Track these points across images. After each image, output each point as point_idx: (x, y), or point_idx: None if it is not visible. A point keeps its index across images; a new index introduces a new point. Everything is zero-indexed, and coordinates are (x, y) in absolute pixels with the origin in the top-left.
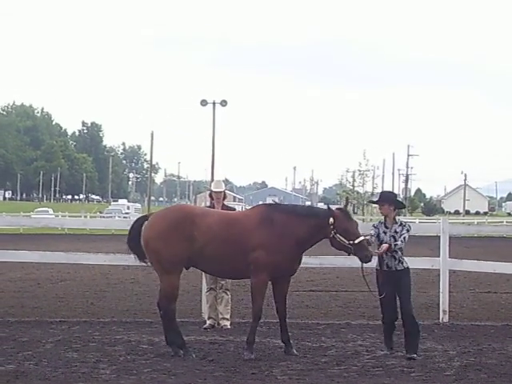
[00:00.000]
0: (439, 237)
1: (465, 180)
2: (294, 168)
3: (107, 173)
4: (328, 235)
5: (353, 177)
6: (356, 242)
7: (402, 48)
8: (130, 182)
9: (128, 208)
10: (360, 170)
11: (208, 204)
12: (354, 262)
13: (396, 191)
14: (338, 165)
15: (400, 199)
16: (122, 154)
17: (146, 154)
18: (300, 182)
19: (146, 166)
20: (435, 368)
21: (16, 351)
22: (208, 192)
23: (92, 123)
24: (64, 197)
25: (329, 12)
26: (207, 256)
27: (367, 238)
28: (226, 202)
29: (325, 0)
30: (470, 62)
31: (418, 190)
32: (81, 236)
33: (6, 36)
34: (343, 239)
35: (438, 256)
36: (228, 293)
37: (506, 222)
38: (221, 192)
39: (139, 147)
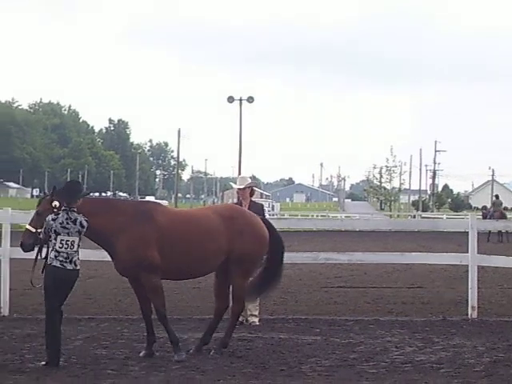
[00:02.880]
0: (467, 233)
1: (492, 175)
2: (321, 164)
3: (134, 170)
4: None
5: (380, 173)
6: None
7: (426, 44)
8: (157, 179)
9: None
10: (387, 166)
11: (235, 201)
12: (382, 258)
13: (423, 187)
14: (365, 161)
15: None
16: (148, 151)
17: (173, 151)
18: (327, 179)
19: (173, 162)
20: (464, 364)
21: (45, 348)
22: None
23: (119, 120)
24: (91, 194)
25: (353, 9)
26: None
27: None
28: (253, 199)
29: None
30: (495, 56)
31: (446, 186)
32: None
33: (34, 34)
34: None
35: (467, 252)
36: None
37: None
38: (244, 189)
39: (166, 144)
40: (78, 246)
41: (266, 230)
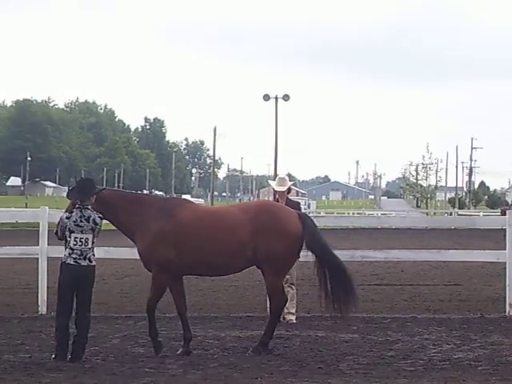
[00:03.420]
0: (504, 230)
1: None
2: (357, 162)
3: (170, 168)
4: None
5: (416, 170)
6: None
7: (462, 41)
8: (193, 178)
9: None
10: (423, 164)
11: (271, 199)
12: (419, 255)
13: (460, 184)
14: (402, 158)
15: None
16: (184, 149)
17: (208, 150)
18: (363, 176)
19: (208, 161)
20: (502, 361)
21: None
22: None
23: (155, 119)
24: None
25: (392, 7)
26: None
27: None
28: (290, 196)
29: None
30: None
31: (482, 183)
32: None
33: (70, 33)
34: None
35: (504, 249)
36: (293, 287)
37: None
38: (284, 191)
39: (202, 142)
40: (93, 242)
41: (297, 227)
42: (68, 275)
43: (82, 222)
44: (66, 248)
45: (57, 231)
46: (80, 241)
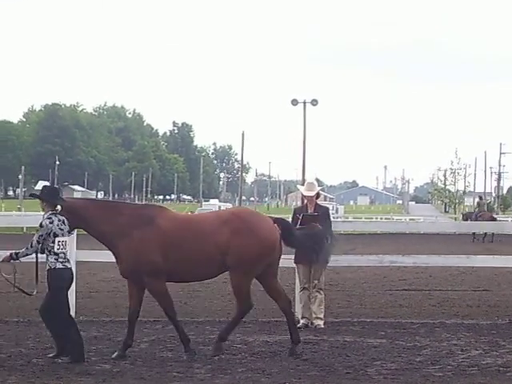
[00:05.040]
0: None
1: None
2: (385, 167)
3: (198, 173)
4: None
5: (444, 175)
6: None
7: (492, 45)
8: (220, 182)
9: (219, 208)
10: (452, 169)
11: (300, 204)
12: (447, 261)
13: (488, 190)
14: (430, 163)
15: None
16: (212, 153)
17: (236, 154)
18: (391, 181)
19: (236, 165)
20: None
21: (111, 351)
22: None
23: (183, 123)
24: (155, 197)
25: (416, 13)
26: None
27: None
28: (318, 201)
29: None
30: None
31: (511, 188)
32: None
33: (99, 37)
34: None
35: None
36: (322, 292)
37: None
38: (312, 196)
39: (230, 147)
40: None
41: (270, 232)
42: (61, 280)
43: (62, 225)
44: (48, 255)
45: (32, 242)
46: (62, 244)
